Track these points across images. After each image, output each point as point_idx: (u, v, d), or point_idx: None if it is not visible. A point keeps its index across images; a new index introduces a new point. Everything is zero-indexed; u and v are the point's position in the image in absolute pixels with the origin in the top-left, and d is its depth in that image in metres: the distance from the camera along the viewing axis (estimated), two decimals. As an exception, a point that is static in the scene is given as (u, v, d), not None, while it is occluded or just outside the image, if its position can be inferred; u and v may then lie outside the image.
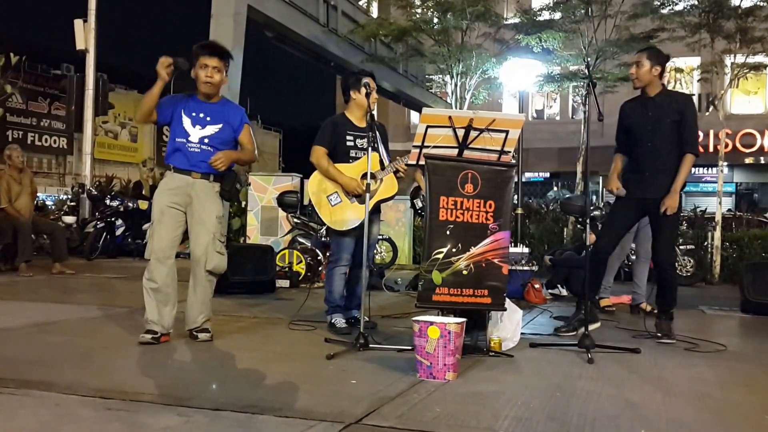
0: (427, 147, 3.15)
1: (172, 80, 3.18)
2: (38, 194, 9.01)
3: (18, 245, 6.48)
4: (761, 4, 8.02)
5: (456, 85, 10.77)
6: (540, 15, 10.30)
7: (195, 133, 3.23)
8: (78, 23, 10.10)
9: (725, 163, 8.48)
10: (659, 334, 3.64)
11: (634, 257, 5.21)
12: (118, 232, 8.73)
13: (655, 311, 3.88)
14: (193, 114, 3.24)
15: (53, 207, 11.31)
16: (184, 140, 3.22)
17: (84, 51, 10.19)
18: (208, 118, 3.25)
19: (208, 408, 2.16)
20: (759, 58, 8.34)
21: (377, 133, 3.44)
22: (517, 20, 10.95)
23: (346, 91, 3.80)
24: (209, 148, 3.23)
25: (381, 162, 3.61)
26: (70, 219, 9.20)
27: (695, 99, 19.33)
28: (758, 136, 18.23)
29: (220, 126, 3.26)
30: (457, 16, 10.21)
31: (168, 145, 3.32)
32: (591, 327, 3.56)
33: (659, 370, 2.96)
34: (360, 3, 14.23)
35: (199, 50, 3.24)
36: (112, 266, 7.44)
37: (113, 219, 8.70)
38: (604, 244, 3.73)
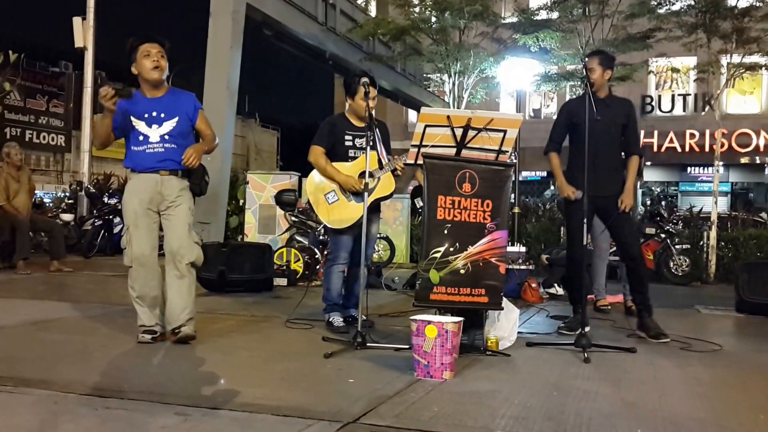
0: (426, 146, 3.16)
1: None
2: (36, 192, 8.99)
3: (16, 243, 6.47)
4: (757, 4, 8.05)
5: (454, 84, 10.79)
6: (537, 14, 10.32)
7: (153, 134, 3.13)
8: (77, 21, 10.07)
9: (721, 163, 8.51)
10: (652, 334, 3.64)
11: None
12: (116, 229, 8.70)
13: (634, 308, 3.90)
14: (146, 115, 3.14)
15: (51, 204, 11.28)
16: (144, 146, 3.13)
17: (83, 48, 10.16)
18: (162, 114, 3.15)
19: (206, 407, 2.17)
20: (755, 59, 8.35)
21: (377, 132, 3.45)
22: (514, 19, 10.98)
23: (347, 93, 3.80)
24: (172, 145, 3.14)
25: (379, 161, 3.62)
26: (68, 217, 9.19)
27: (691, 98, 19.49)
28: (754, 135, 18.29)
29: (177, 119, 3.16)
30: (455, 15, 10.22)
31: (127, 155, 3.18)
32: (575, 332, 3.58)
33: (655, 369, 2.97)
34: (358, 2, 14.22)
35: (137, 42, 3.13)
36: (110, 264, 7.43)
37: (111, 216, 8.68)
38: (578, 252, 3.71)
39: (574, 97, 3.95)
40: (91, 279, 6.20)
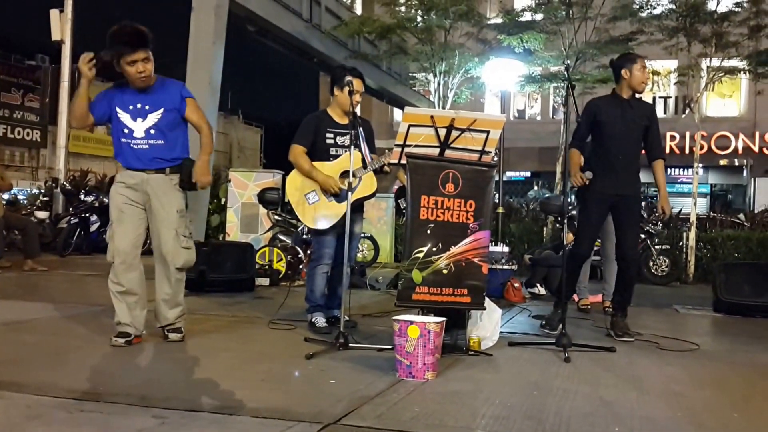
0: (409, 146, 3.15)
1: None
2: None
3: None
4: (736, 9, 8.21)
5: (439, 84, 10.81)
6: (522, 16, 10.39)
7: (138, 127, 3.06)
8: (54, 13, 9.86)
9: (700, 165, 8.67)
10: (619, 333, 3.70)
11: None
12: (93, 228, 8.56)
13: (610, 309, 3.97)
14: (131, 107, 3.07)
15: (25, 202, 11.03)
16: (129, 140, 3.07)
17: (60, 42, 9.95)
18: (147, 107, 3.07)
19: (184, 409, 2.14)
20: (734, 62, 8.53)
21: (360, 130, 3.42)
22: (499, 20, 11.04)
23: (332, 85, 3.77)
24: (158, 140, 3.07)
25: (363, 160, 3.59)
26: (42, 214, 8.99)
27: (672, 101, 19.82)
28: (732, 138, 18.66)
29: (161, 111, 3.07)
30: (441, 15, 10.25)
31: (114, 145, 3.14)
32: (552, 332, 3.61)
33: (634, 368, 3.01)
34: (343, -1, 14.17)
35: (120, 47, 2.96)
36: (86, 263, 7.29)
37: (88, 214, 8.53)
38: (585, 248, 3.76)
39: (600, 96, 3.96)
40: (67, 278, 6.07)
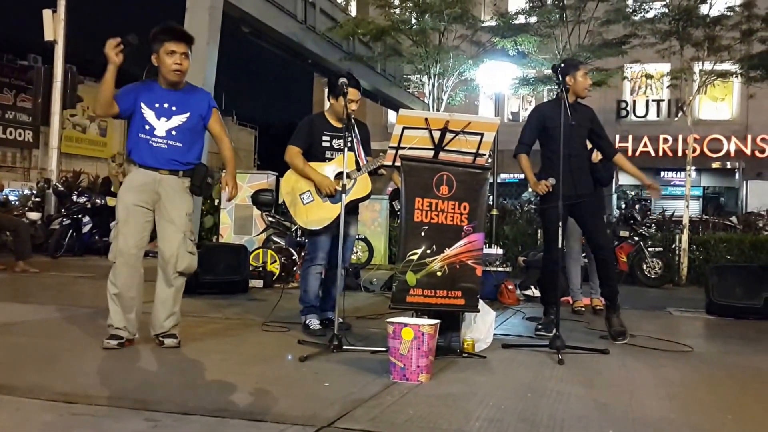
0: (403, 148, 3.15)
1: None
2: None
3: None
4: (728, 13, 8.29)
5: (433, 86, 10.84)
6: (516, 19, 10.45)
7: (160, 126, 3.05)
8: (47, 13, 9.81)
9: (693, 168, 8.75)
10: (613, 332, 3.70)
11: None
12: (85, 229, 8.50)
13: (600, 308, 4.00)
14: (156, 105, 3.06)
15: (17, 202, 10.95)
16: (149, 136, 3.05)
17: (53, 42, 9.89)
18: (174, 108, 3.08)
19: (177, 412, 2.12)
20: (726, 66, 8.61)
21: (356, 133, 3.41)
22: (493, 23, 11.09)
23: (330, 92, 3.76)
24: (177, 143, 3.07)
25: (357, 163, 3.59)
26: (34, 215, 8.93)
27: (665, 104, 19.97)
28: (725, 141, 18.80)
29: (188, 115, 3.10)
30: (435, 18, 10.28)
31: (129, 139, 3.09)
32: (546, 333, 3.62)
33: (627, 370, 3.02)
34: (338, 1, 14.17)
35: (163, 35, 3.02)
36: (78, 265, 7.25)
37: (80, 216, 8.47)
38: (555, 254, 3.71)
39: (545, 101, 4.08)
40: (58, 280, 6.02)
